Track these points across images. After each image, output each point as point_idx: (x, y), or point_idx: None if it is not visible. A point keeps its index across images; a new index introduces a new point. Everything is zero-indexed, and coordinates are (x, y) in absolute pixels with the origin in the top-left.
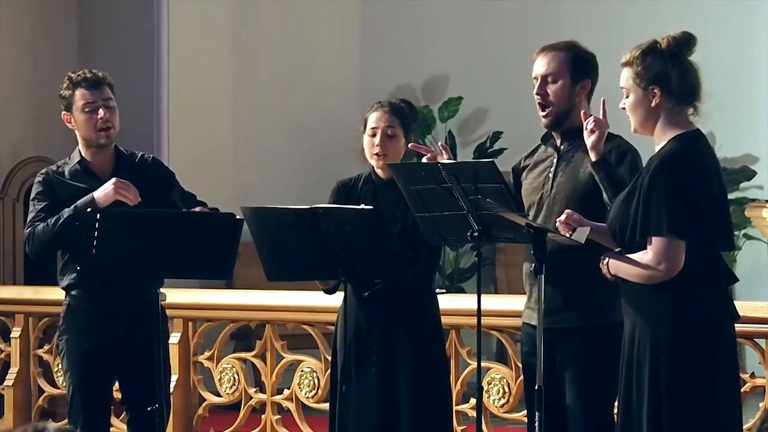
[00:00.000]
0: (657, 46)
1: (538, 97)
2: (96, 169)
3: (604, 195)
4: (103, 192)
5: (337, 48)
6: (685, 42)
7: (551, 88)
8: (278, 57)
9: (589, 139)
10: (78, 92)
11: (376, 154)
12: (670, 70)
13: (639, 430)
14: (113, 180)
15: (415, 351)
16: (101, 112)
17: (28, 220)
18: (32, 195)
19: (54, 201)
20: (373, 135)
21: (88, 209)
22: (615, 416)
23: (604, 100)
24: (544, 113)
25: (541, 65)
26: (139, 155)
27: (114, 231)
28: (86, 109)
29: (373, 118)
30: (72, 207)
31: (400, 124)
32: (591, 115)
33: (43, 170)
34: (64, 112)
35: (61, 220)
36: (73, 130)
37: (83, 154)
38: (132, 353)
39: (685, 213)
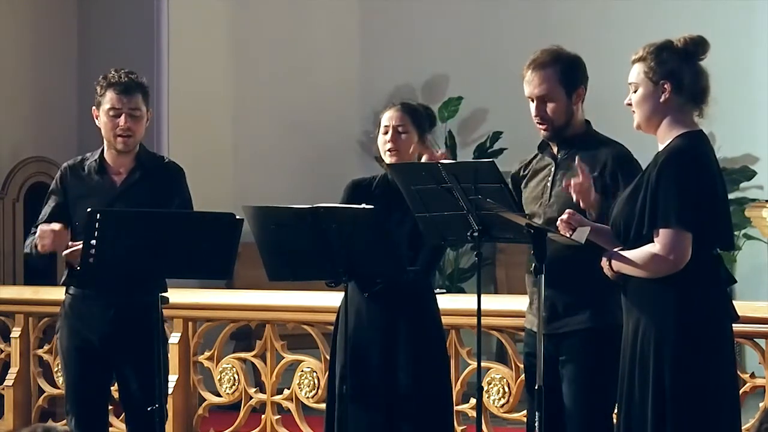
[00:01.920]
0: (672, 45)
1: (537, 117)
2: (112, 168)
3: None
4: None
5: (337, 48)
6: (700, 44)
7: (549, 108)
8: (278, 57)
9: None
10: (108, 94)
11: (389, 150)
12: (683, 68)
13: (642, 425)
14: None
15: (415, 351)
16: (123, 119)
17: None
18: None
19: (63, 201)
20: (386, 133)
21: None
22: (614, 417)
23: (579, 162)
24: (544, 127)
25: (533, 86)
26: (166, 161)
27: (114, 231)
28: (110, 113)
29: (386, 117)
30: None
31: (411, 122)
32: (569, 184)
33: (65, 163)
34: (93, 108)
35: (24, 252)
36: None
37: (104, 152)
38: (131, 353)
39: (693, 206)
